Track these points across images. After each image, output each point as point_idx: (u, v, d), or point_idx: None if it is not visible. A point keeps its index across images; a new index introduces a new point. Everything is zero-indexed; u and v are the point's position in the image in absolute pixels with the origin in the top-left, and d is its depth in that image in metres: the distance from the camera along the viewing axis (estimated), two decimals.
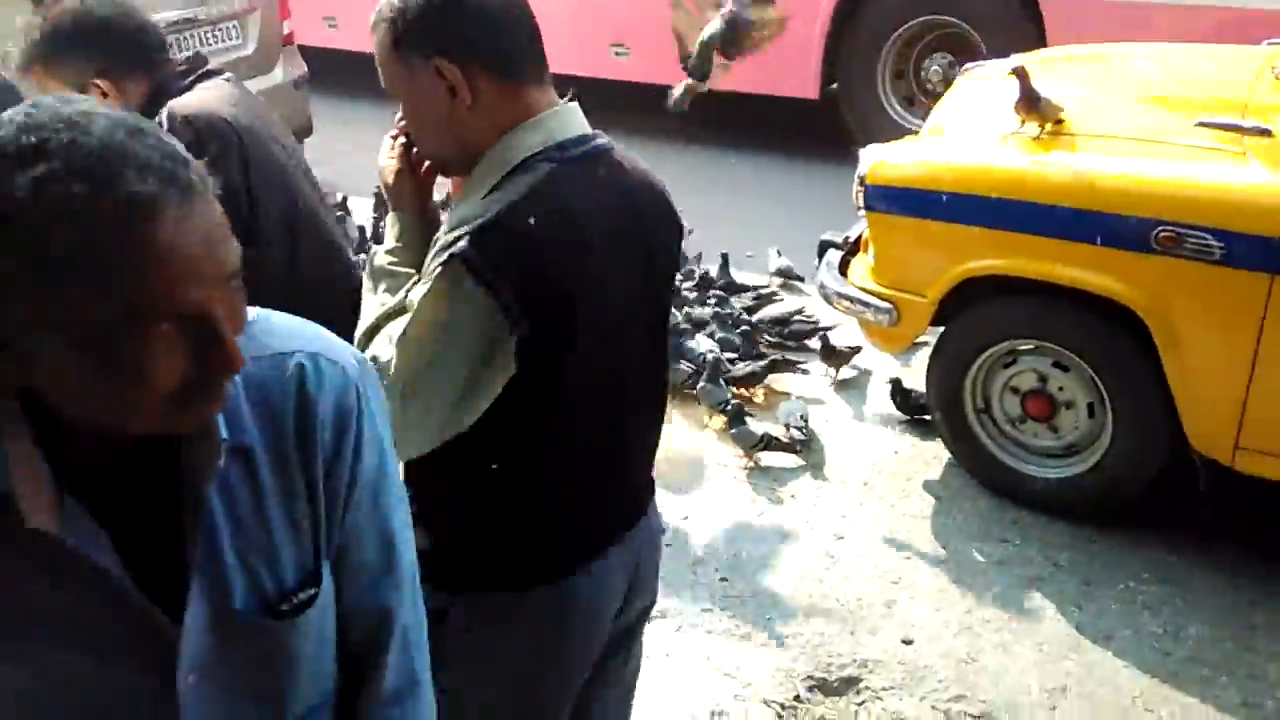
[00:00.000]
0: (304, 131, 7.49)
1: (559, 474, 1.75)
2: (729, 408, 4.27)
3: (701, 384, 4.41)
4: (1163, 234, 3.21)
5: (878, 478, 4.11)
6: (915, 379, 4.58)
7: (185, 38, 6.31)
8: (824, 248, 4.33)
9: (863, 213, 3.87)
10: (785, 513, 3.94)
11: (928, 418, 4.24)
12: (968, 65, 4.34)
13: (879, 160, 3.78)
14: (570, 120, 1.68)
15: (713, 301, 5.24)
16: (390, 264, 1.78)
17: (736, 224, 6.33)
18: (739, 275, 5.56)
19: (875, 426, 4.42)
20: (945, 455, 4.14)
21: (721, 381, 4.43)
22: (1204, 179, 3.25)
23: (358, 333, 1.74)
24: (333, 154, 6.94)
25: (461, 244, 1.52)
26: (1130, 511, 3.68)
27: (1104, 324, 3.45)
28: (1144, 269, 3.28)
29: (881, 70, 7.04)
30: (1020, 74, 3.52)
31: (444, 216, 1.76)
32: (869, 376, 4.82)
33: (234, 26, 6.68)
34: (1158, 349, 3.32)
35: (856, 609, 3.46)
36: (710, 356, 4.52)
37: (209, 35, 6.48)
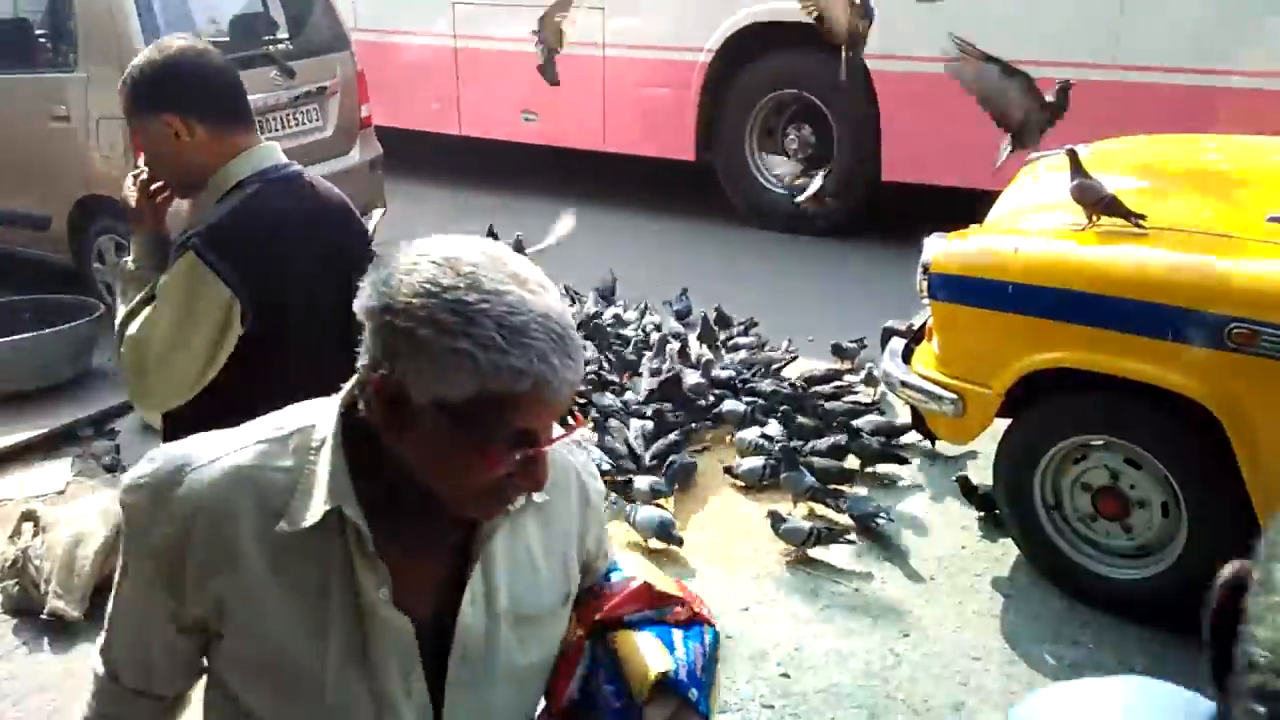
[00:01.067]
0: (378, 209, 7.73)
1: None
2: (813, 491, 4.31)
3: (785, 475, 4.39)
4: (1236, 330, 3.15)
5: (944, 573, 4.02)
6: (983, 473, 4.52)
7: (267, 120, 6.59)
8: (887, 335, 4.32)
9: (926, 301, 3.86)
10: (849, 607, 3.87)
11: (997, 512, 4.17)
12: (1034, 155, 4.33)
13: (944, 249, 3.78)
14: (270, 154, 2.35)
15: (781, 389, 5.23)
16: (136, 271, 2.36)
17: (795, 307, 6.35)
18: (804, 362, 5.57)
19: (942, 521, 4.34)
20: (1014, 552, 4.04)
21: (801, 468, 4.43)
22: (1279, 275, 3.19)
23: (117, 322, 2.31)
24: (407, 230, 7.08)
25: (194, 239, 2.16)
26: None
27: (1176, 421, 3.37)
28: (1218, 365, 3.21)
29: (749, 137, 7.99)
30: (1070, 155, 3.56)
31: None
32: (935, 468, 4.75)
33: (314, 110, 6.94)
34: (1233, 447, 3.23)
35: (923, 711, 3.36)
36: (780, 446, 4.54)
37: (290, 119, 6.75)
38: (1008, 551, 4.07)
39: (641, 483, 4.40)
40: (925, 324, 4.17)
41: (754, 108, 7.91)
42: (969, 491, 4.30)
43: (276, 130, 6.66)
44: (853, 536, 4.16)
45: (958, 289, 3.73)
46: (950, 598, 3.88)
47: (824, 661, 3.60)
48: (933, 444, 4.68)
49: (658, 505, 4.32)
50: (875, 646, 3.65)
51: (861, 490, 4.43)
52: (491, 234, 6.88)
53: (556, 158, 9.09)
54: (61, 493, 4.92)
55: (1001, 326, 3.62)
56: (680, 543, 4.21)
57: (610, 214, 8.39)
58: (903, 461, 4.62)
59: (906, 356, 4.12)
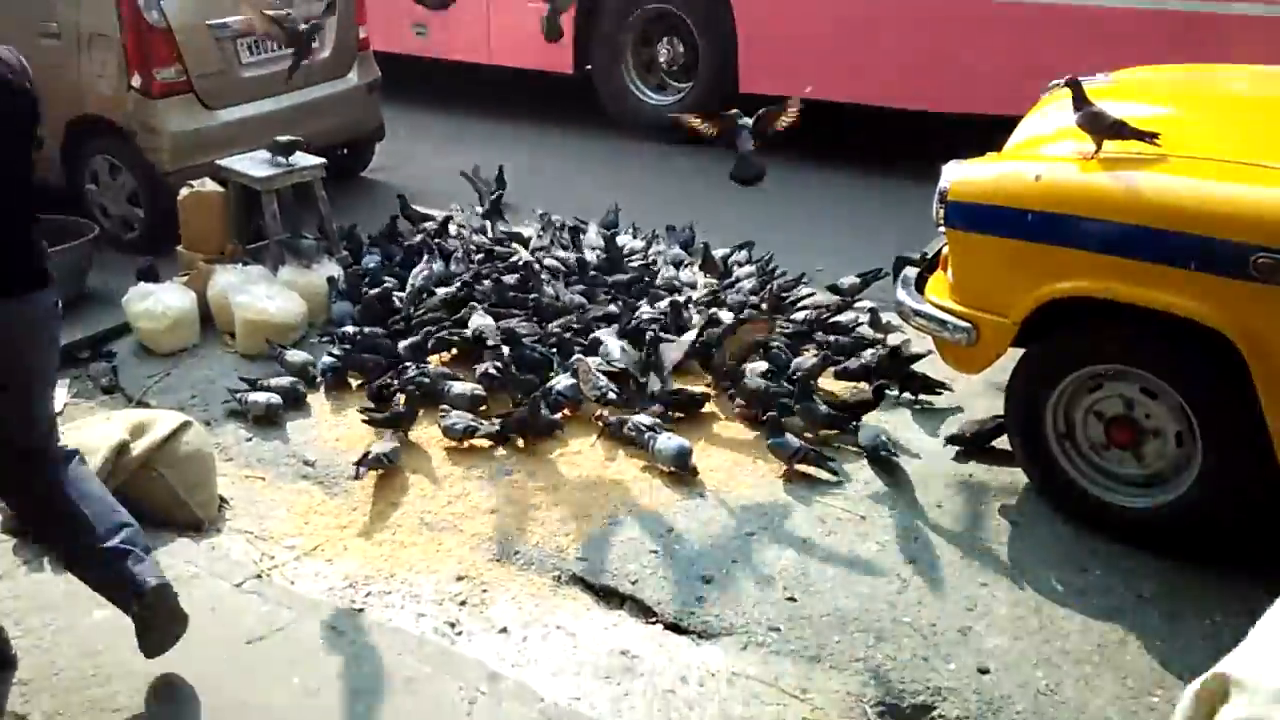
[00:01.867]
0: (375, 135, 7.59)
1: None
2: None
3: (798, 405, 4.39)
4: (1261, 260, 3.10)
5: (951, 502, 4.01)
6: (978, 404, 4.50)
7: (263, 40, 6.42)
8: (900, 264, 4.26)
9: (942, 229, 3.80)
10: (856, 533, 3.86)
11: (995, 445, 4.17)
12: (1054, 81, 4.23)
13: (962, 176, 3.70)
14: None
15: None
16: None
17: (806, 241, 6.28)
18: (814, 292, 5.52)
19: (949, 449, 4.32)
20: (1022, 480, 4.03)
21: (815, 398, 4.44)
22: None
23: None
24: (404, 158, 6.95)
25: None
26: (1217, 544, 3.55)
27: (1195, 350, 3.33)
28: (1240, 295, 3.16)
29: (625, 51, 8.48)
30: (1072, 85, 3.50)
31: None
32: (941, 398, 4.72)
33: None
34: (1252, 377, 3.20)
35: (930, 635, 3.37)
36: (802, 374, 4.59)
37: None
38: (1016, 481, 4.05)
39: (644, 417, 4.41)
40: (939, 253, 4.11)
41: (627, 21, 8.38)
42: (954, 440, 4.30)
43: (273, 51, 6.50)
44: (836, 465, 4.20)
45: (976, 217, 3.66)
46: (957, 525, 3.87)
47: (830, 586, 3.60)
48: (914, 395, 4.65)
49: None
50: (881, 572, 3.65)
51: (871, 423, 4.38)
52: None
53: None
54: (59, 414, 4.86)
55: (1020, 255, 3.57)
56: (695, 472, 4.20)
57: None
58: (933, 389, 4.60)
59: (920, 286, 4.06)
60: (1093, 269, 3.41)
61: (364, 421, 4.57)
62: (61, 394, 5.01)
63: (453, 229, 6.30)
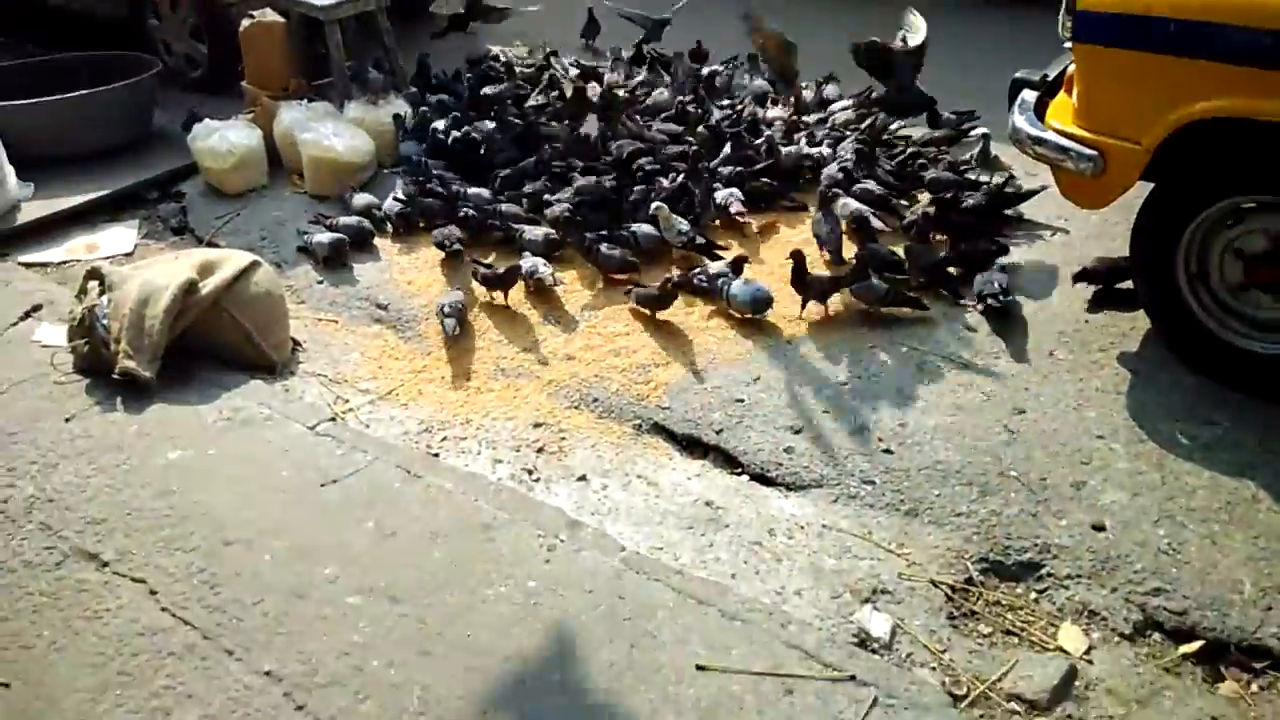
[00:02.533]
0: None
1: None
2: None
3: (855, 287, 4.03)
4: None
5: (1065, 348, 3.70)
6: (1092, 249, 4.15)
7: None
8: (1017, 87, 3.85)
9: (1069, 45, 3.38)
10: (959, 382, 3.59)
11: (1121, 286, 3.83)
12: None
13: None
14: None
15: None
16: None
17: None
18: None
19: (1063, 292, 3.98)
20: (1144, 326, 3.70)
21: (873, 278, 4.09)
22: None
23: None
24: None
25: None
26: None
27: None
28: None
29: None
30: None
31: None
32: (1056, 237, 4.37)
33: None
34: None
35: (1039, 489, 3.13)
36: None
37: None
38: (1137, 325, 3.73)
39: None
40: (1061, 74, 3.70)
41: None
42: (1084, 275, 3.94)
43: None
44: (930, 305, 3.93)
45: (1109, 28, 3.23)
46: (1071, 374, 3.58)
47: (929, 438, 3.36)
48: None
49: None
50: (987, 424, 3.40)
51: (991, 269, 4.05)
52: None
53: None
54: (129, 255, 4.78)
55: (1159, 71, 3.15)
56: (771, 303, 3.98)
57: None
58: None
59: (1039, 112, 3.66)
60: (1243, 85, 3.00)
61: (477, 282, 4.30)
62: (131, 235, 4.92)
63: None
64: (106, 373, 3.69)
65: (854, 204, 4.40)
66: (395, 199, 4.76)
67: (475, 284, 4.25)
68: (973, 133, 5.06)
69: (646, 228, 4.39)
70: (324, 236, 4.55)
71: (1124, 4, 3.20)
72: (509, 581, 2.85)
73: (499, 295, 4.21)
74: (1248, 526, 2.94)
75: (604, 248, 4.26)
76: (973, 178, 4.72)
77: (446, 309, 3.98)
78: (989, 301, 3.84)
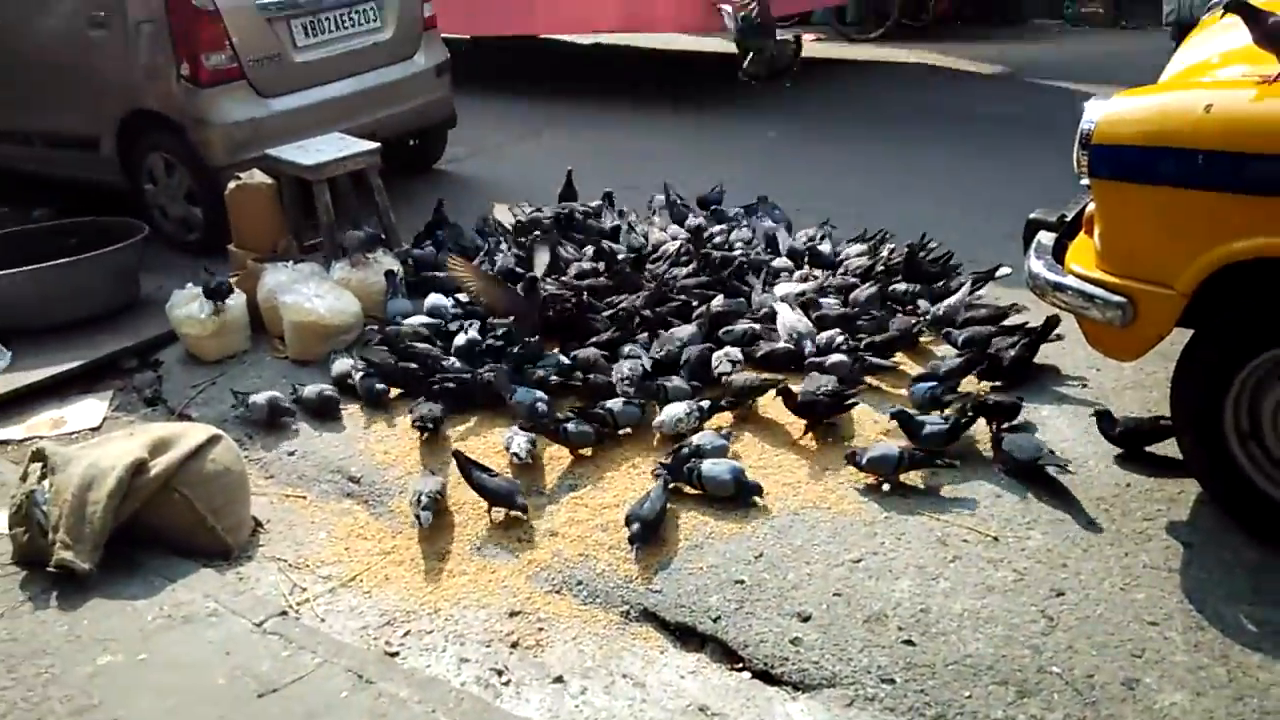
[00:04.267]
0: (447, 122, 7.15)
1: None
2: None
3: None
4: None
5: (1106, 518, 3.28)
6: (1127, 402, 3.78)
7: (319, 20, 6.02)
8: (1033, 229, 3.55)
9: (1087, 182, 3.09)
10: (985, 558, 3.18)
11: (1154, 448, 3.46)
12: (1213, 1, 3.48)
13: (1111, 113, 2.99)
14: None
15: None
16: None
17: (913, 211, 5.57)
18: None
19: (1099, 454, 3.59)
20: (1194, 490, 3.30)
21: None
22: None
23: None
24: (484, 146, 6.41)
25: None
26: None
27: None
28: None
29: None
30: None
31: None
32: (1088, 388, 4.00)
33: (371, 9, 6.31)
34: None
35: (1086, 690, 2.67)
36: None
37: (343, 18, 6.13)
38: (1186, 491, 3.32)
39: (700, 438, 3.80)
40: (1081, 212, 3.41)
41: None
42: (1111, 427, 3.55)
43: (332, 31, 6.08)
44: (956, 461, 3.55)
45: (1129, 162, 2.95)
46: (1115, 548, 3.15)
47: (956, 626, 2.93)
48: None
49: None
50: (1021, 608, 2.96)
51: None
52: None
53: None
54: (97, 429, 4.51)
55: (1188, 207, 2.84)
56: (761, 491, 3.57)
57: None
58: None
59: (1059, 256, 3.36)
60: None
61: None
62: (102, 407, 4.67)
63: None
64: (44, 565, 3.36)
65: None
66: (355, 367, 4.50)
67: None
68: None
69: (623, 404, 4.03)
70: (258, 397, 4.35)
71: (1143, 135, 2.92)
72: None
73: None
74: None
75: (572, 425, 3.92)
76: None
77: (423, 499, 3.59)
78: (1046, 468, 3.45)
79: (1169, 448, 3.43)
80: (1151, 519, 3.25)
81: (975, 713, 2.66)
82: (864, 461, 3.56)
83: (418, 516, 3.57)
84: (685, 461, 3.63)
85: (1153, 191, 2.91)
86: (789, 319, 4.41)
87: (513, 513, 3.63)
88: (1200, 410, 3.04)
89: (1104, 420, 3.59)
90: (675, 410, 3.93)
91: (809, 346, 4.25)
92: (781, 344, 4.33)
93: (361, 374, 4.43)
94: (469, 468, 3.66)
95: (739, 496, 3.56)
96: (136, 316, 5.38)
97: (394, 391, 4.44)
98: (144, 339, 5.14)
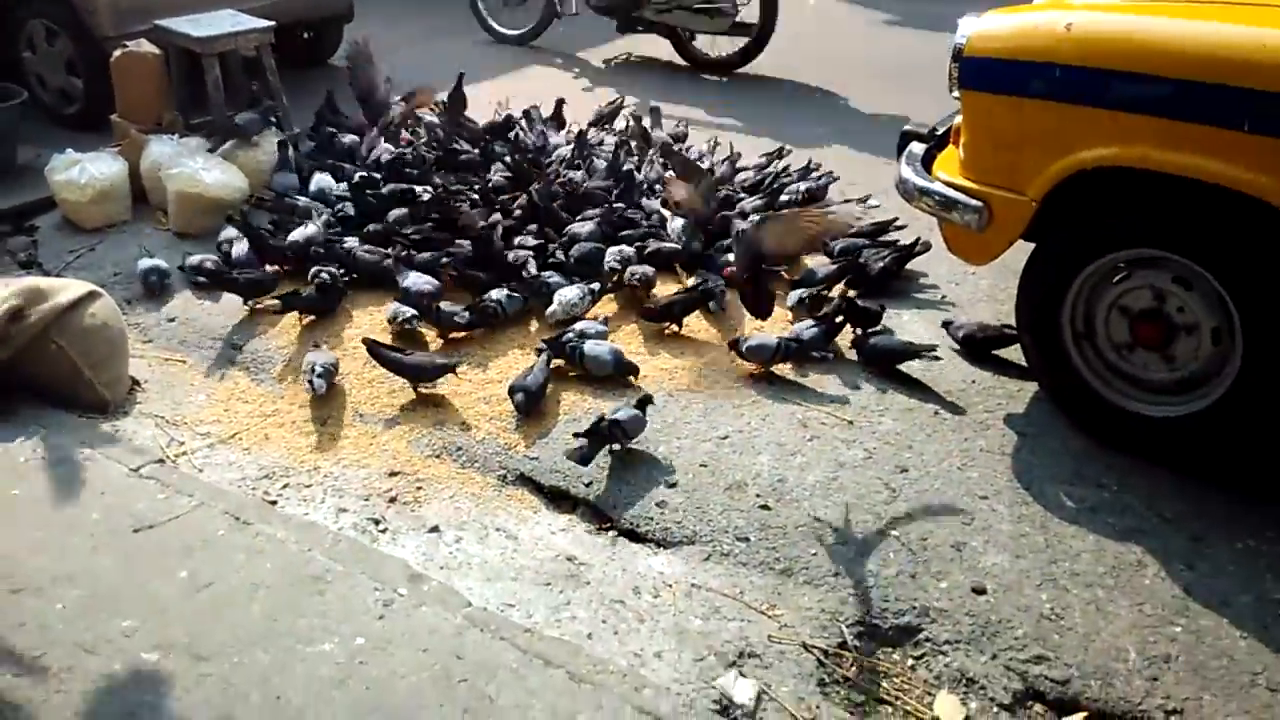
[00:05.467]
0: (343, 16, 7.04)
1: None
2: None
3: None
4: None
5: (951, 409, 3.56)
6: (980, 312, 4.07)
7: None
8: (906, 140, 3.76)
9: (957, 93, 3.30)
10: (840, 439, 3.41)
11: (998, 351, 3.76)
12: None
13: (981, 29, 3.20)
14: None
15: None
16: None
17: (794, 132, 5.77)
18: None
19: (950, 351, 3.86)
20: (1032, 386, 3.59)
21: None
22: None
23: None
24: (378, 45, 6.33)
25: None
26: (1253, 459, 3.11)
27: (1246, 230, 2.86)
28: None
29: None
30: None
31: None
32: (940, 293, 4.27)
33: None
34: None
35: (919, 550, 2.93)
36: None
37: None
38: (1024, 387, 3.61)
39: (582, 324, 3.97)
40: (950, 128, 3.63)
41: None
42: (954, 333, 3.86)
43: None
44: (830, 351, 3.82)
45: (995, 75, 3.17)
46: (956, 434, 3.42)
47: (809, 494, 3.16)
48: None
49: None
50: (868, 481, 3.21)
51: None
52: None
53: None
54: None
55: (1044, 118, 3.08)
56: (637, 372, 3.75)
57: None
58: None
59: (927, 164, 3.58)
60: (1127, 133, 2.92)
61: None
62: None
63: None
64: None
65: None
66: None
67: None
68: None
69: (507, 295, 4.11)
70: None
71: (1008, 50, 3.13)
72: (334, 639, 2.54)
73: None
74: (1133, 592, 2.77)
75: (445, 305, 4.01)
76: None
77: (317, 368, 3.64)
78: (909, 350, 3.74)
79: (1014, 353, 3.72)
80: (991, 411, 3.53)
81: (820, 567, 2.89)
82: (744, 349, 3.75)
83: (311, 383, 3.62)
84: (568, 343, 3.77)
85: (1014, 102, 3.13)
86: (676, 225, 4.58)
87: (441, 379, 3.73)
88: (1041, 312, 3.31)
89: (949, 326, 3.88)
90: (569, 294, 4.06)
91: (696, 246, 4.44)
92: (668, 244, 4.48)
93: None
94: (379, 350, 3.72)
95: (617, 375, 3.72)
96: (12, 182, 5.21)
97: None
98: (19, 203, 5.00)
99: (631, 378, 3.73)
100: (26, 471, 3.13)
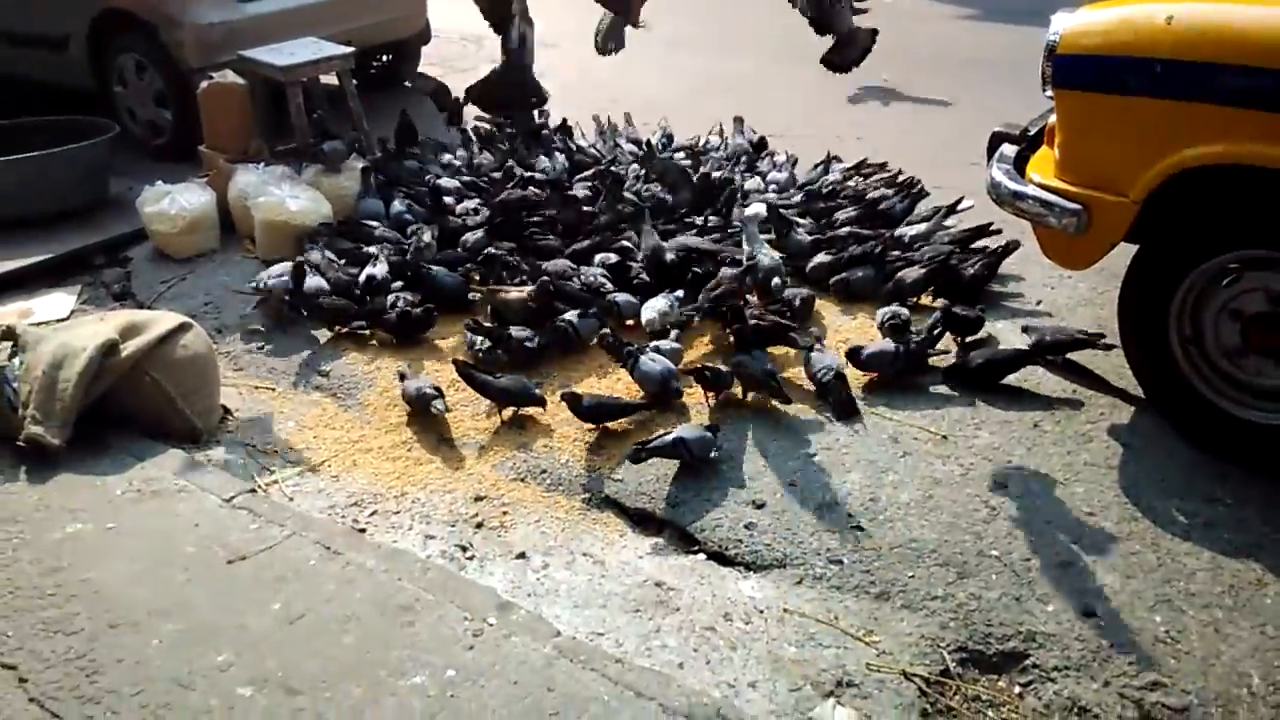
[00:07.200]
0: (420, 37, 7.11)
1: None
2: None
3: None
4: None
5: (1051, 419, 3.42)
6: (1080, 318, 3.90)
7: None
8: (997, 140, 3.64)
9: (1050, 92, 3.17)
10: (934, 454, 3.30)
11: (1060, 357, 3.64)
12: None
13: (1075, 24, 3.07)
14: None
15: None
16: None
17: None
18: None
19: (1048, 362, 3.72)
20: (1137, 396, 3.43)
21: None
22: None
23: None
24: (457, 66, 6.38)
25: None
26: None
27: None
28: None
29: None
30: None
31: None
32: (1036, 297, 4.13)
33: None
34: None
35: (1023, 571, 2.81)
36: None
37: None
38: (1128, 401, 3.45)
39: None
40: (1044, 128, 3.49)
41: None
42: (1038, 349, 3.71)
43: None
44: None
45: (1091, 72, 3.04)
46: (1057, 447, 3.29)
47: (904, 514, 3.06)
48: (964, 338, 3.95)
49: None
50: (966, 499, 3.10)
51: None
52: None
53: None
54: (64, 320, 4.52)
55: (1145, 116, 2.94)
56: (679, 394, 3.68)
57: None
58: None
59: (1020, 167, 3.45)
60: (1234, 130, 2.78)
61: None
62: (70, 301, 4.67)
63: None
64: (12, 440, 3.40)
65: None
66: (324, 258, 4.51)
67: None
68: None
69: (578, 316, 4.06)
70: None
71: (1105, 45, 3.01)
72: (425, 670, 2.52)
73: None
74: (1253, 613, 2.62)
75: (515, 331, 3.97)
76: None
77: (429, 390, 3.65)
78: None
79: (1114, 362, 3.56)
80: (1094, 422, 3.38)
81: (918, 590, 2.79)
82: (864, 357, 3.66)
83: (432, 406, 3.62)
84: (628, 352, 3.70)
85: (1112, 100, 3.00)
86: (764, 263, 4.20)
87: (526, 409, 3.70)
88: (1146, 316, 3.16)
89: (1027, 331, 3.75)
90: (658, 304, 4.02)
91: (776, 281, 4.15)
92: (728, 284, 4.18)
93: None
94: (470, 373, 3.72)
95: (662, 395, 3.66)
96: (106, 215, 5.37)
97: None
98: (113, 235, 5.14)
99: (682, 399, 3.67)
100: (122, 504, 3.18)
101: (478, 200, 5.04)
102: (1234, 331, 3.05)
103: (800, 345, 3.75)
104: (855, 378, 3.70)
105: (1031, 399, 3.53)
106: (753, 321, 3.82)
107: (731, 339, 3.92)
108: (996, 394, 3.57)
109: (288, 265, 4.36)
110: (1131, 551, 2.85)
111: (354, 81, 5.57)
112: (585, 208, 4.89)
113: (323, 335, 4.28)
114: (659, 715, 2.38)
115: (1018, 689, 2.52)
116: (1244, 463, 3.09)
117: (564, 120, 6.07)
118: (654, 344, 3.83)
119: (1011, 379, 3.61)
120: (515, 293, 4.18)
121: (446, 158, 5.67)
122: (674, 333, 3.97)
